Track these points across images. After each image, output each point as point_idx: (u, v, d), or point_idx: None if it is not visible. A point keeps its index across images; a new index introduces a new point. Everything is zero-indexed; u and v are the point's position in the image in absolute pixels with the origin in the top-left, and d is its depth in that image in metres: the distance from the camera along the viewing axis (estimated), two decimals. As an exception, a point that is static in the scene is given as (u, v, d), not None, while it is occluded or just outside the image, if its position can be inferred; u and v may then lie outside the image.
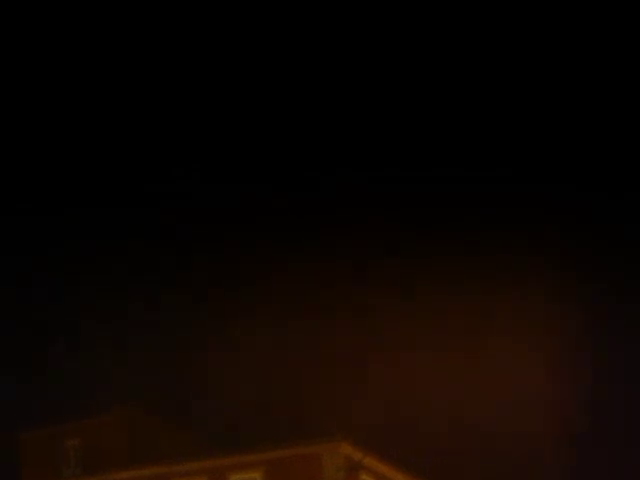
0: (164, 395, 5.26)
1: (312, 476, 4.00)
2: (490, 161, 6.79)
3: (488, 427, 5.27)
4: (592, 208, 6.28)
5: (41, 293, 6.38)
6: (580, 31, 6.61)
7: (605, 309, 5.84)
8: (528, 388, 5.25)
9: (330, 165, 6.91)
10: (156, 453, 4.74)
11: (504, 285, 5.57)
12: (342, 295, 5.84)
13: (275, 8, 6.74)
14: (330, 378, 5.43)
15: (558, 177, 6.44)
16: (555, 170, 6.52)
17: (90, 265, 6.37)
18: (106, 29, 6.91)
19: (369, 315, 5.76)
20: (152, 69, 7.22)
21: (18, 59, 6.76)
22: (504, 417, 5.29)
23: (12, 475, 5.01)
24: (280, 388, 5.37)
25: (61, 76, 7.10)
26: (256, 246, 6.28)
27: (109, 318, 5.79)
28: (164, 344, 5.80)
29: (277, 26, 6.75)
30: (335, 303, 5.79)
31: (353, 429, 4.11)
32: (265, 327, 5.56)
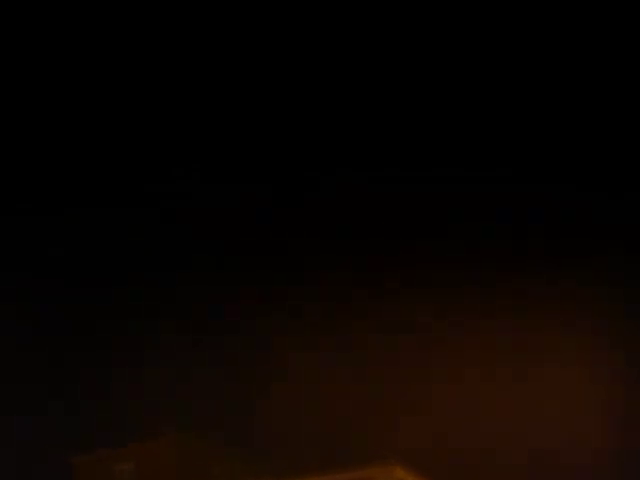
0: (214, 419, 5.30)
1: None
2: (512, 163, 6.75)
3: (540, 451, 5.26)
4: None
5: (89, 317, 6.44)
6: (580, 31, 6.59)
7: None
8: (580, 413, 5.23)
9: (334, 165, 6.91)
10: (207, 477, 4.78)
11: (552, 308, 5.56)
12: (390, 317, 5.85)
13: (275, 8, 6.74)
14: (383, 403, 5.44)
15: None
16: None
17: (139, 291, 6.43)
18: (106, 29, 6.91)
19: (416, 341, 5.78)
20: (152, 69, 7.20)
21: (18, 59, 6.78)
22: (554, 437, 5.27)
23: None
24: (333, 413, 5.39)
25: (61, 76, 7.11)
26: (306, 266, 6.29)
27: (160, 344, 5.84)
28: (214, 369, 5.83)
29: (277, 26, 6.74)
30: (383, 327, 5.81)
31: (405, 453, 4.13)
32: (316, 353, 5.59)
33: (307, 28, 6.75)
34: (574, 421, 5.25)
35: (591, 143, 6.54)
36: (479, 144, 6.71)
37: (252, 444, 5.21)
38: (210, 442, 5.03)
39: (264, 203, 6.68)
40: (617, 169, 6.38)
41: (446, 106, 6.84)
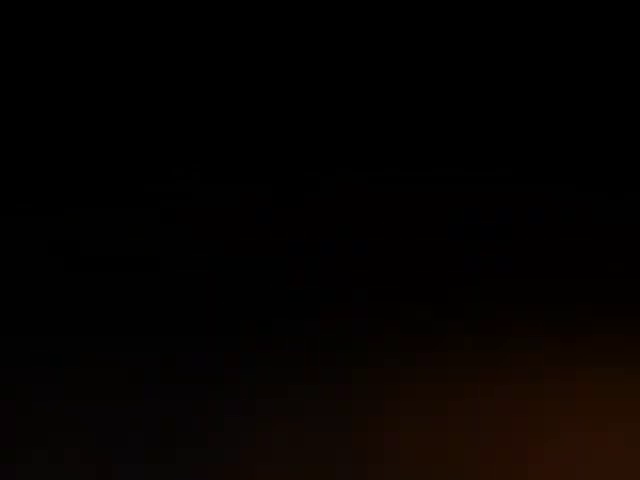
0: (296, 469, 5.59)
1: None
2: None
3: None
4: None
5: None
6: (580, 31, 6.92)
7: None
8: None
9: (334, 165, 7.15)
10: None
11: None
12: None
13: (274, 7, 6.85)
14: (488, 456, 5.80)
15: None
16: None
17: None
18: (104, 27, 6.94)
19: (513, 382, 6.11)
20: (152, 68, 7.28)
21: (17, 58, 6.77)
22: None
23: None
24: (441, 463, 5.72)
25: (60, 75, 7.13)
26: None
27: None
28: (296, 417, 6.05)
29: (276, 25, 6.85)
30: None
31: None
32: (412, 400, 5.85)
33: (306, 27, 6.84)
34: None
35: (591, 143, 6.87)
36: (479, 144, 6.97)
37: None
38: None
39: (264, 203, 6.86)
40: (617, 169, 6.74)
41: (446, 106, 7.05)
